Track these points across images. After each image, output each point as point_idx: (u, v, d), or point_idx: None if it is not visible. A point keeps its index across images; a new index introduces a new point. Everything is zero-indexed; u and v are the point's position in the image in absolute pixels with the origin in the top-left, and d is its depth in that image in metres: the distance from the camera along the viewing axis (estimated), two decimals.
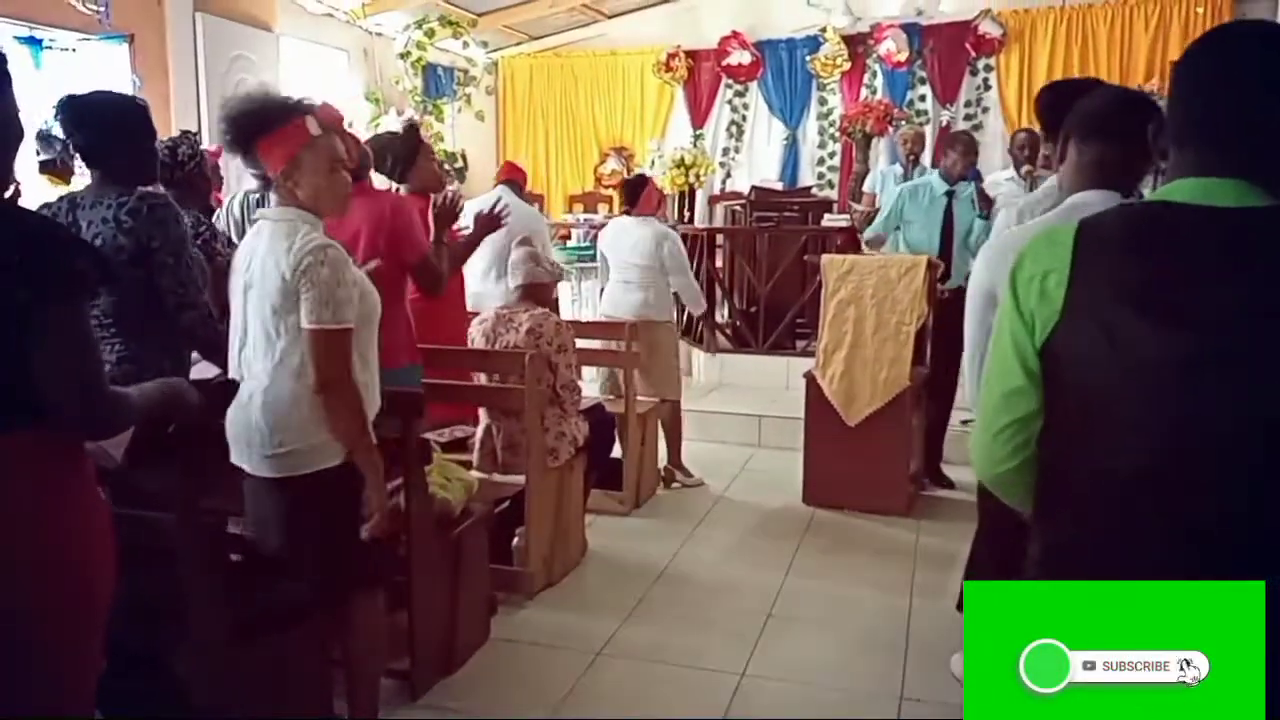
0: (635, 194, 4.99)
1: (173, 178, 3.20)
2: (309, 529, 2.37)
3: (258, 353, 2.33)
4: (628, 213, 5.03)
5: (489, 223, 3.70)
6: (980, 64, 8.72)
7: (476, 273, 4.68)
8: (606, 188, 9.52)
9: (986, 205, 5.43)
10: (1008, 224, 3.24)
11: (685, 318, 6.38)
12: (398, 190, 3.87)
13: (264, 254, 2.30)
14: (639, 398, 4.72)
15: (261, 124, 2.31)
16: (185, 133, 3.42)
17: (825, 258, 4.81)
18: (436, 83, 8.54)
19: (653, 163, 8.89)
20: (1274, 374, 1.13)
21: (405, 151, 3.84)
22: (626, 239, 4.90)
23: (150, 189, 2.73)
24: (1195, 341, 1.15)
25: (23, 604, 1.60)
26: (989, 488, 1.45)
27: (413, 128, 4.15)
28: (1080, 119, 2.31)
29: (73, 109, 2.66)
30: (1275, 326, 1.13)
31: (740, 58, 9.23)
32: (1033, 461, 1.34)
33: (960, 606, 2.97)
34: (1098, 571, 1.23)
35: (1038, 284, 1.26)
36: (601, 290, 6.95)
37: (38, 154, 4.25)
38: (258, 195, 3.83)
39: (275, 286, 2.25)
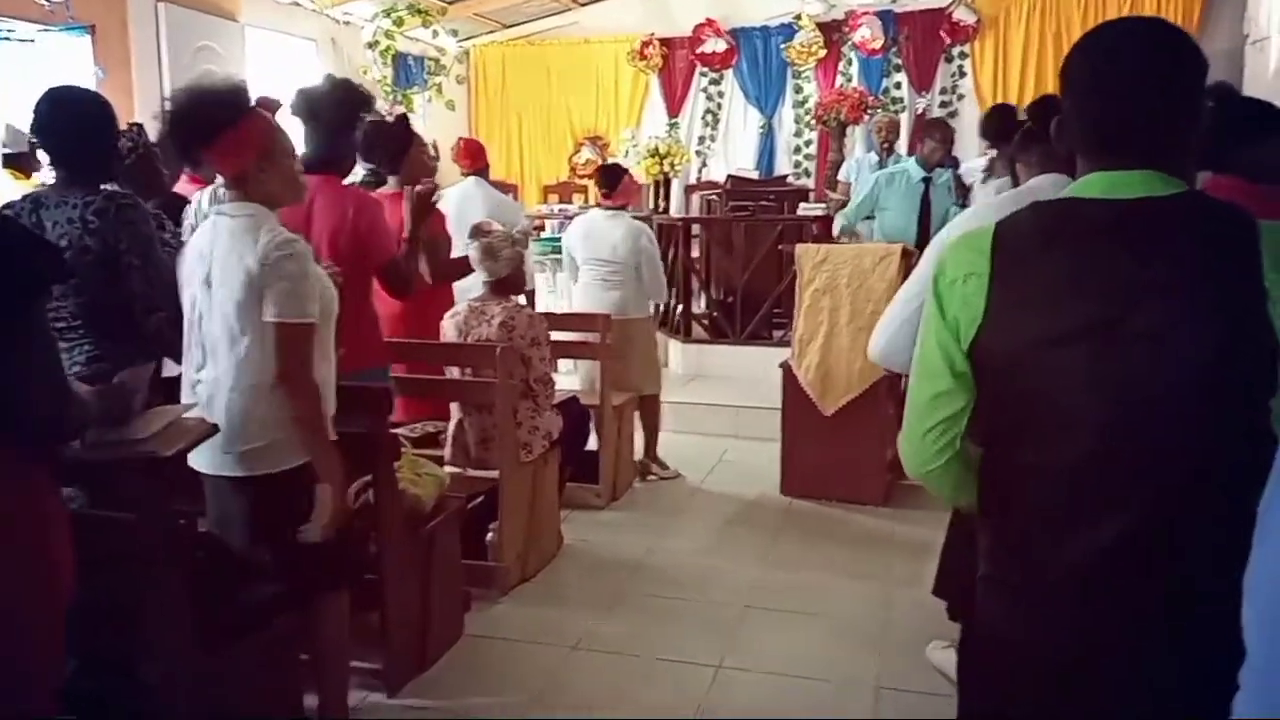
0: (614, 181, 4.84)
1: (130, 171, 3.13)
2: (274, 529, 2.34)
3: (219, 350, 2.28)
4: (607, 196, 4.86)
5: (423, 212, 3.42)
6: (955, 51, 8.73)
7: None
8: (581, 178, 9.47)
9: (963, 193, 5.44)
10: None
11: (662, 308, 6.31)
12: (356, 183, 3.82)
13: (225, 251, 2.25)
14: (620, 393, 4.68)
15: (221, 121, 2.23)
16: (130, 124, 3.33)
17: (800, 247, 4.79)
18: (407, 72, 8.45)
19: (627, 152, 8.85)
20: (1190, 352, 1.17)
21: (399, 142, 3.79)
22: (601, 236, 4.77)
23: (115, 187, 2.67)
24: (1111, 331, 1.19)
25: None
26: (920, 483, 1.48)
27: (404, 118, 4.09)
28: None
29: (42, 107, 2.60)
30: (1185, 306, 1.17)
31: (715, 45, 9.19)
32: (960, 458, 1.38)
33: (935, 592, 3.00)
34: (1044, 563, 1.27)
35: (959, 288, 1.30)
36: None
37: (4, 147, 4.16)
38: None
39: (240, 282, 2.21)
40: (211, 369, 2.30)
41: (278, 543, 2.34)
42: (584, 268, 4.87)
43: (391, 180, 3.84)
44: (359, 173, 4.01)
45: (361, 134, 3.59)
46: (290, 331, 2.22)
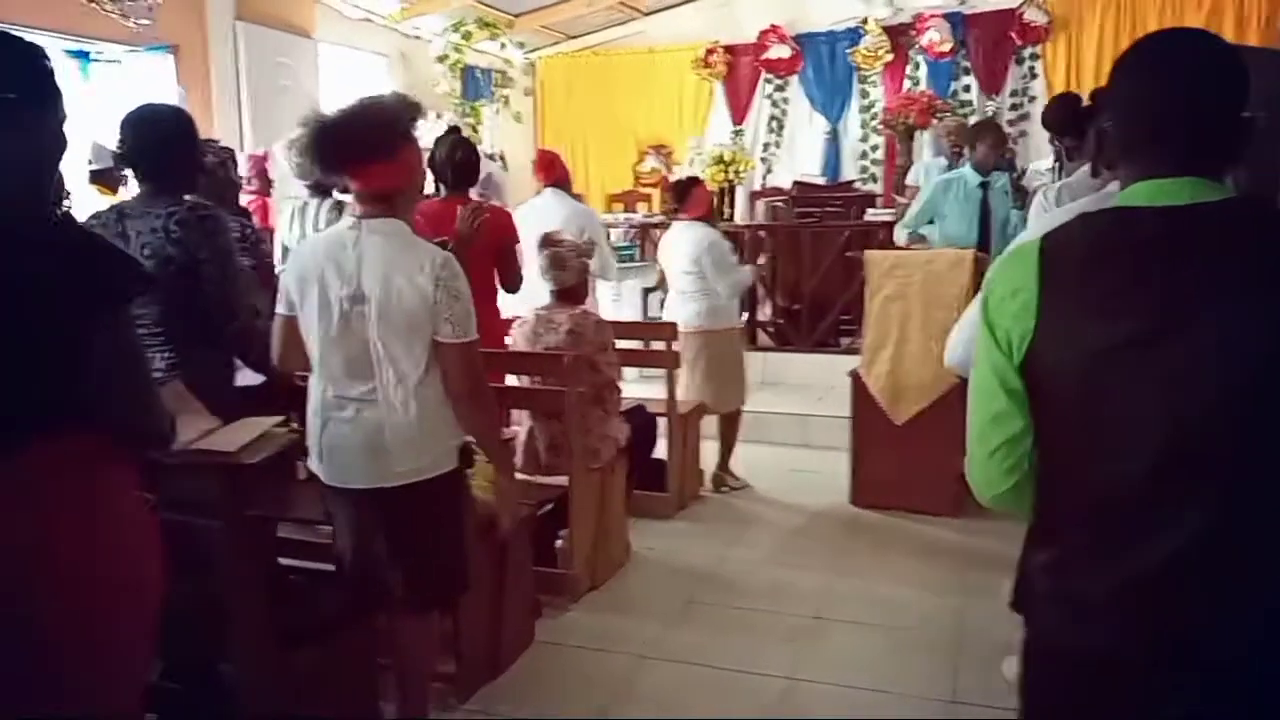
0: (684, 195, 4.83)
1: (207, 186, 3.22)
2: (420, 534, 2.37)
3: (381, 366, 2.28)
4: (675, 212, 4.86)
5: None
6: (1026, 53, 8.55)
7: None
8: (645, 186, 9.48)
9: (1021, 196, 5.34)
10: (1044, 206, 3.19)
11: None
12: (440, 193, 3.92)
13: (388, 268, 2.25)
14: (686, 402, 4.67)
15: (389, 142, 2.28)
16: (210, 141, 3.43)
17: (869, 253, 4.74)
18: (474, 85, 8.56)
19: (692, 160, 8.85)
20: (1247, 358, 1.16)
21: (473, 166, 3.95)
22: (676, 248, 4.76)
23: (196, 198, 2.75)
24: (1165, 340, 1.18)
25: (72, 604, 1.62)
26: (991, 508, 1.46)
27: (456, 129, 4.20)
28: None
29: (127, 123, 2.69)
30: (1240, 312, 1.16)
31: (779, 52, 9.14)
32: (1030, 480, 1.36)
33: (1013, 605, 2.93)
34: (1105, 576, 1.25)
35: (1009, 304, 1.30)
36: (655, 295, 6.96)
37: (90, 164, 4.32)
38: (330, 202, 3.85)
39: (415, 302, 2.24)
40: (366, 384, 2.30)
41: (418, 550, 2.37)
42: (669, 280, 4.92)
43: (442, 189, 3.94)
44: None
45: (447, 150, 3.73)
46: (470, 348, 2.30)
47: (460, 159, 3.93)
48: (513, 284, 3.96)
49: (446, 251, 2.34)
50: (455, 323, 2.26)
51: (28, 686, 1.60)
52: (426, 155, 3.83)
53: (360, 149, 2.26)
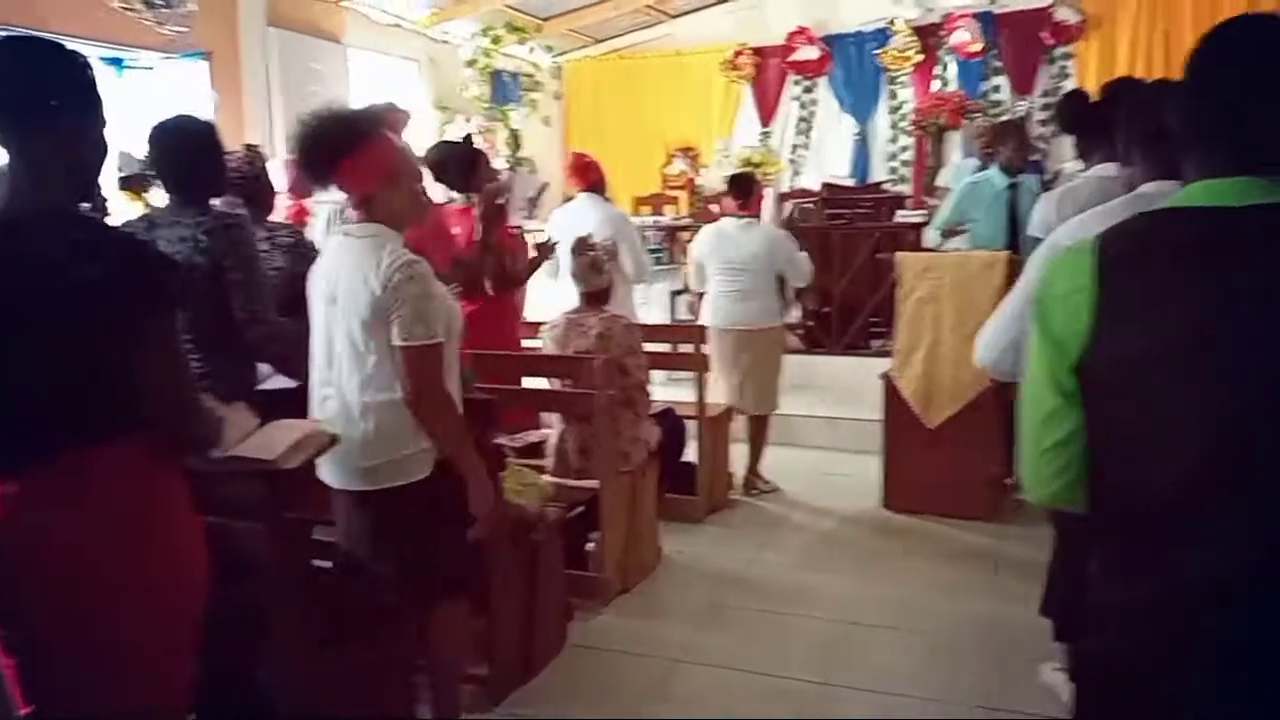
0: (749, 190, 4.75)
1: (249, 191, 3.24)
2: (400, 540, 2.37)
3: (344, 368, 2.32)
4: (743, 206, 4.77)
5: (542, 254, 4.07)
6: (1058, 53, 8.46)
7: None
8: (672, 189, 9.47)
9: None
10: (1047, 216, 3.14)
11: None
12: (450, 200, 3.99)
13: (350, 271, 2.29)
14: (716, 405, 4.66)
15: (345, 145, 2.28)
16: (252, 146, 3.46)
17: (901, 255, 4.70)
18: (503, 89, 8.58)
19: (720, 163, 8.83)
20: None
21: (467, 162, 3.95)
22: (735, 245, 4.67)
23: (224, 207, 2.78)
24: (1207, 345, 1.15)
25: (122, 605, 1.64)
26: (1044, 507, 1.45)
27: (469, 138, 4.25)
28: (1146, 114, 2.34)
29: (154, 136, 2.73)
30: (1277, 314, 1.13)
31: (807, 53, 9.10)
32: (1081, 480, 1.34)
33: (1043, 611, 2.90)
34: (1150, 586, 1.23)
35: (1064, 304, 1.28)
36: (682, 297, 6.89)
37: (119, 170, 4.38)
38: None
39: (365, 303, 2.25)
40: (339, 385, 2.34)
41: (402, 553, 2.37)
42: (715, 279, 4.77)
43: (458, 197, 3.97)
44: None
45: (433, 156, 3.81)
46: (419, 353, 2.26)
47: (445, 164, 3.97)
48: (503, 286, 4.01)
49: (411, 255, 2.29)
50: (402, 326, 2.23)
51: (76, 686, 1.62)
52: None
53: (323, 151, 2.29)
